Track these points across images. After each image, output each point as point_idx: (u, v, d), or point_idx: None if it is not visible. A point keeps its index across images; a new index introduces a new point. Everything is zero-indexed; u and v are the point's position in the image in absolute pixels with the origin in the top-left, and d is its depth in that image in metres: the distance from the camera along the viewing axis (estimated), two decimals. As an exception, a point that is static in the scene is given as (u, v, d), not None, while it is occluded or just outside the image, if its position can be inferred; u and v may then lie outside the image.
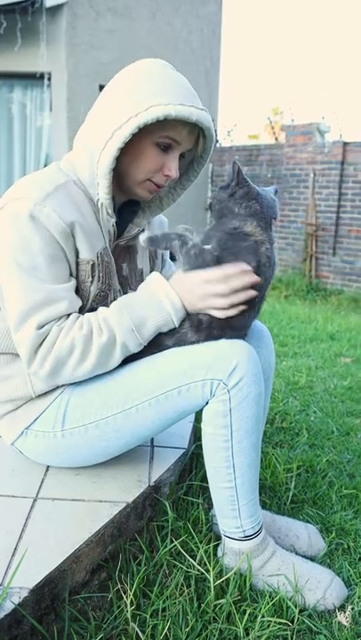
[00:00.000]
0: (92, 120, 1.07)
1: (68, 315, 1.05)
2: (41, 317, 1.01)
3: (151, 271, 1.29)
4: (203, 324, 1.07)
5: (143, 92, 1.00)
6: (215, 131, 1.08)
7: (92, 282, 1.09)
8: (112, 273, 1.14)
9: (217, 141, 7.55)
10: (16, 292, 1.01)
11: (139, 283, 1.23)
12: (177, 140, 1.05)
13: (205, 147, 1.12)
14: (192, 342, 1.08)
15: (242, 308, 1.05)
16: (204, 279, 1.04)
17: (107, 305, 1.14)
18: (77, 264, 1.06)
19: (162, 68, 1.05)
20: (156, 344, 1.09)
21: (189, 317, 1.08)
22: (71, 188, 1.05)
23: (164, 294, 1.06)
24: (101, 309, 1.07)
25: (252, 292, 1.04)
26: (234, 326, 1.08)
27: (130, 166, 1.08)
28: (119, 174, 1.09)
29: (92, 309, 1.11)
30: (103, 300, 1.13)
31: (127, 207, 1.19)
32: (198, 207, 7.40)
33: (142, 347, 1.08)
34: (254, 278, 1.04)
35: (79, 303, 1.07)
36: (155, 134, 1.03)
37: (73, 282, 1.06)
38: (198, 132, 1.09)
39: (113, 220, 1.11)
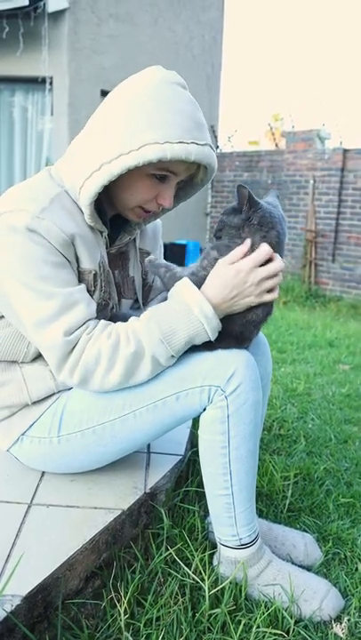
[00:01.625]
0: (85, 137, 1.02)
1: (95, 321, 1.02)
2: (66, 323, 0.98)
3: (143, 279, 1.28)
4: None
5: (140, 122, 0.93)
6: (217, 146, 1.05)
7: (94, 291, 1.08)
8: (111, 282, 1.13)
9: (217, 147, 7.57)
10: (31, 301, 0.97)
11: (131, 290, 1.23)
12: (174, 171, 1.02)
13: (205, 177, 1.09)
14: None
15: (273, 295, 1.02)
16: (236, 270, 0.98)
17: (107, 315, 1.14)
18: (80, 273, 1.05)
19: (167, 88, 0.97)
20: None
21: None
22: (64, 198, 1.02)
23: (195, 302, 0.99)
24: (132, 320, 1.02)
25: (279, 278, 1.01)
26: (242, 337, 1.06)
27: (122, 194, 1.05)
28: (110, 196, 1.07)
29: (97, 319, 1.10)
30: (104, 308, 1.12)
31: (120, 216, 1.16)
32: (198, 213, 7.41)
33: (175, 359, 1.02)
34: (280, 264, 1.00)
35: (95, 305, 1.05)
36: (150, 167, 0.99)
37: (83, 285, 1.04)
38: (199, 164, 1.03)
39: (105, 233, 1.10)
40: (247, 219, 1.01)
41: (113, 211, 1.13)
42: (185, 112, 0.96)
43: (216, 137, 7.65)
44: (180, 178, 1.05)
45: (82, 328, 0.99)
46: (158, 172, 1.00)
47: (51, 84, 5.68)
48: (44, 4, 5.21)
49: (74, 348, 0.99)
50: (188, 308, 0.99)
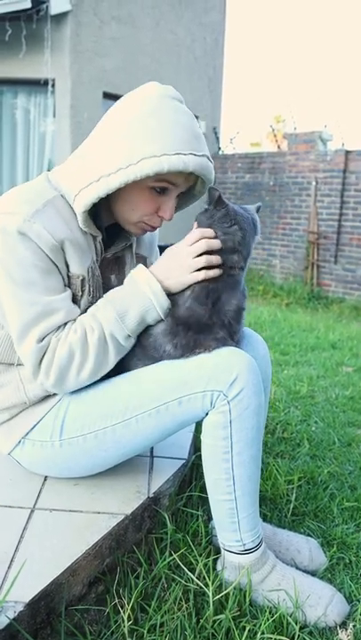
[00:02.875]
0: (90, 144, 1.03)
1: (65, 324, 1.05)
2: (40, 330, 1.01)
3: None
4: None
5: (138, 136, 0.96)
6: (213, 162, 1.06)
7: (82, 296, 1.08)
8: (100, 288, 1.13)
9: (219, 148, 7.57)
10: (14, 307, 1.01)
11: None
12: (173, 182, 1.03)
13: (203, 187, 1.11)
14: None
15: (197, 275, 1.04)
16: (174, 250, 1.06)
17: None
18: (69, 278, 1.06)
19: (164, 102, 0.99)
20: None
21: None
22: (59, 203, 1.03)
23: (144, 281, 1.04)
24: (91, 308, 1.07)
25: (204, 258, 1.04)
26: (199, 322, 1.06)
27: (123, 208, 1.07)
28: (111, 208, 1.09)
29: None
30: None
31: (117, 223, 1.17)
32: (200, 214, 7.40)
33: (131, 340, 1.07)
34: (201, 244, 1.04)
35: (77, 312, 1.07)
36: (149, 180, 1.00)
37: (69, 291, 1.06)
38: (197, 175, 1.04)
39: (99, 238, 1.10)
40: (211, 216, 1.06)
41: (112, 220, 1.14)
42: (182, 124, 0.99)
43: (218, 139, 7.65)
44: (181, 189, 1.07)
45: (52, 332, 1.03)
46: (158, 184, 1.02)
47: (53, 86, 5.69)
48: (47, 7, 5.23)
49: (45, 351, 1.03)
50: (137, 285, 1.04)
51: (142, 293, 1.04)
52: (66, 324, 1.05)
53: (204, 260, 1.03)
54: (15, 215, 0.97)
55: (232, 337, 1.08)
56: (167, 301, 1.04)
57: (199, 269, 1.04)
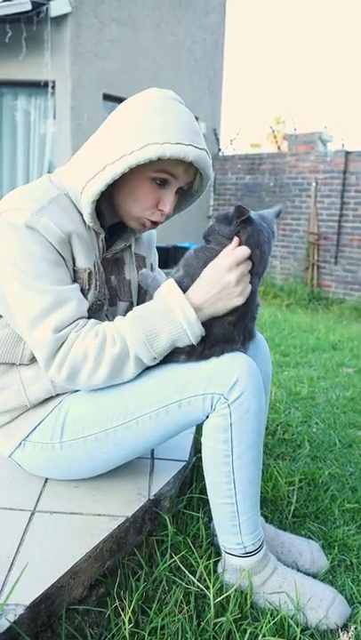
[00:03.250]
0: (93, 144, 1.06)
1: (85, 319, 1.03)
2: (56, 320, 0.99)
3: (139, 283, 1.28)
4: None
5: (141, 127, 0.98)
6: (212, 164, 1.07)
7: (89, 290, 1.08)
8: (104, 283, 1.14)
9: (220, 149, 7.57)
10: (25, 297, 0.99)
11: (127, 294, 1.23)
12: (173, 174, 1.04)
13: (201, 185, 1.12)
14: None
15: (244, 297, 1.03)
16: (217, 268, 1.01)
17: (102, 317, 1.14)
18: (75, 272, 1.06)
19: (166, 102, 1.02)
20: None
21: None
22: (63, 201, 1.04)
23: (178, 306, 1.00)
24: (118, 319, 1.04)
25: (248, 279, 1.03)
26: (225, 339, 1.06)
27: (125, 200, 1.08)
28: (114, 204, 1.09)
29: (89, 318, 1.11)
30: (99, 308, 1.13)
31: (117, 224, 1.18)
32: (201, 216, 7.41)
33: (157, 360, 1.04)
34: (246, 250, 1.02)
35: (86, 303, 1.06)
36: (150, 170, 1.02)
37: (76, 284, 1.05)
38: (196, 170, 1.07)
39: (102, 235, 1.10)
40: (236, 232, 1.04)
41: (114, 218, 1.15)
42: (184, 121, 1.02)
43: (218, 140, 7.65)
44: (180, 183, 1.07)
45: (71, 326, 1.01)
46: (159, 174, 1.03)
47: (53, 87, 5.70)
48: (47, 9, 5.24)
49: (62, 344, 1.01)
50: (170, 311, 1.00)
51: (175, 321, 1.00)
52: (87, 321, 1.03)
53: (247, 285, 1.02)
54: (22, 210, 0.98)
55: (250, 339, 1.11)
56: (201, 330, 1.01)
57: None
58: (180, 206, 1.19)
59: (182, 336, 1.01)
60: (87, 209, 1.02)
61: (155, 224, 1.12)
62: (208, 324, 1.03)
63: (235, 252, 1.01)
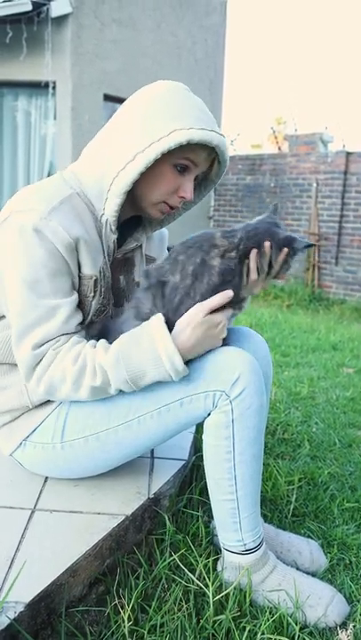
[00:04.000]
0: (107, 138, 1.05)
1: (66, 335, 1.03)
2: (37, 337, 1.00)
3: None
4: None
5: (164, 115, 1.00)
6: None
7: (93, 297, 1.08)
8: (109, 288, 1.13)
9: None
10: (18, 306, 1.00)
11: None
12: (195, 161, 1.05)
13: (219, 171, 1.13)
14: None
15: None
16: (214, 324, 1.01)
17: (105, 319, 1.14)
18: (80, 279, 1.05)
19: (181, 92, 1.05)
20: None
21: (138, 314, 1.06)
22: (75, 201, 1.03)
23: (164, 352, 0.98)
24: (99, 350, 1.01)
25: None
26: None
27: (146, 188, 1.07)
28: (133, 194, 1.09)
29: (92, 323, 1.11)
30: (102, 313, 1.13)
31: (128, 221, 1.18)
32: (201, 216, 7.42)
33: (131, 394, 1.07)
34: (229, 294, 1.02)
35: (79, 318, 1.05)
36: (174, 156, 1.03)
37: (75, 296, 1.04)
38: (214, 157, 1.09)
39: (114, 237, 1.10)
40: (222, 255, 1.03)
41: (129, 212, 1.14)
42: (201, 108, 1.04)
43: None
44: (199, 170, 1.09)
45: (52, 342, 1.01)
46: (182, 161, 1.04)
47: (54, 88, 5.70)
48: (48, 9, 5.24)
49: (40, 361, 1.02)
50: (159, 358, 0.99)
51: (162, 369, 0.99)
52: (69, 338, 1.03)
53: (227, 323, 1.04)
54: (32, 212, 0.97)
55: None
56: (186, 372, 1.01)
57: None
58: (199, 193, 1.20)
59: (166, 379, 1.02)
60: (117, 200, 1.03)
61: (172, 208, 1.12)
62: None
63: (221, 297, 1.01)
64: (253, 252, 1.03)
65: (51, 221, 0.97)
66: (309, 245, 1.05)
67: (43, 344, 1.01)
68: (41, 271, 0.98)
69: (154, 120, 1.00)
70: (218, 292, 1.02)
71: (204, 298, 1.02)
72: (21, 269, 0.98)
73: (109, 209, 1.04)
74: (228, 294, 1.01)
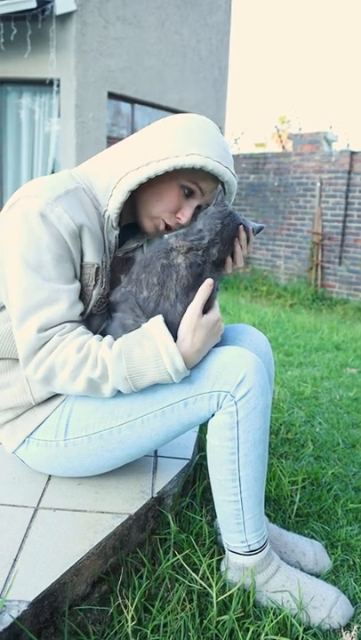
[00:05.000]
0: (126, 146, 1.07)
1: (72, 323, 1.03)
2: (42, 319, 0.99)
3: None
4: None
5: (189, 139, 1.03)
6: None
7: (94, 285, 1.08)
8: (109, 282, 1.13)
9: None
10: (19, 288, 1.00)
11: None
12: (202, 189, 1.08)
13: None
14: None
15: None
16: (213, 323, 1.04)
17: (104, 315, 1.14)
18: (82, 267, 1.06)
19: (209, 125, 1.09)
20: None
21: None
22: (80, 194, 1.05)
23: (166, 353, 0.98)
24: (104, 344, 1.00)
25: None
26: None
27: (150, 199, 1.09)
28: (136, 201, 1.10)
29: (91, 315, 1.10)
30: (102, 305, 1.12)
31: (129, 224, 1.19)
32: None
33: (134, 393, 1.05)
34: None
35: (80, 307, 1.05)
36: (185, 177, 1.06)
37: (77, 284, 1.04)
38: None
39: (116, 233, 1.10)
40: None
41: (129, 218, 1.16)
42: (224, 148, 1.08)
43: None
44: (203, 200, 1.10)
45: (57, 327, 1.01)
46: (190, 184, 1.07)
47: (58, 85, 5.70)
48: (52, 7, 5.24)
49: (44, 345, 1.00)
50: (160, 359, 0.98)
51: (163, 369, 0.99)
52: (75, 327, 1.02)
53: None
54: (37, 198, 0.98)
55: None
56: (186, 373, 1.01)
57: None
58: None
59: (167, 381, 1.01)
60: (121, 197, 1.04)
61: (167, 229, 1.13)
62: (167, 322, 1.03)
63: (201, 293, 1.02)
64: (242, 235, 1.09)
65: (56, 207, 0.98)
66: (261, 229, 1.14)
67: (48, 328, 1.00)
68: (46, 255, 0.99)
69: (177, 141, 1.03)
70: (192, 285, 1.02)
71: (180, 295, 1.02)
72: (26, 253, 0.98)
73: (112, 205, 1.05)
74: (209, 282, 1.02)
